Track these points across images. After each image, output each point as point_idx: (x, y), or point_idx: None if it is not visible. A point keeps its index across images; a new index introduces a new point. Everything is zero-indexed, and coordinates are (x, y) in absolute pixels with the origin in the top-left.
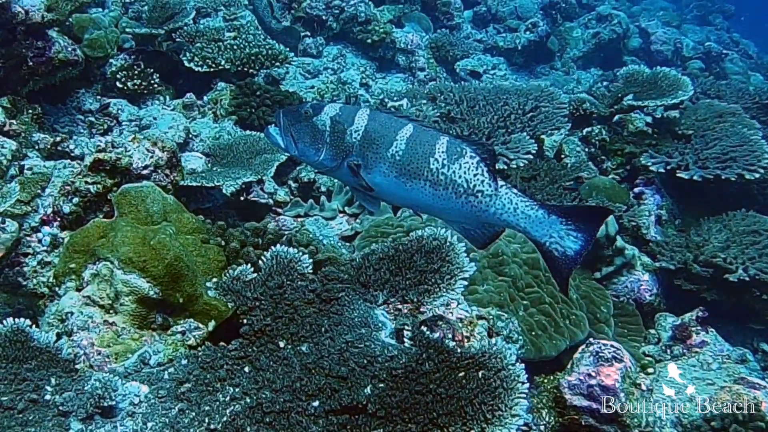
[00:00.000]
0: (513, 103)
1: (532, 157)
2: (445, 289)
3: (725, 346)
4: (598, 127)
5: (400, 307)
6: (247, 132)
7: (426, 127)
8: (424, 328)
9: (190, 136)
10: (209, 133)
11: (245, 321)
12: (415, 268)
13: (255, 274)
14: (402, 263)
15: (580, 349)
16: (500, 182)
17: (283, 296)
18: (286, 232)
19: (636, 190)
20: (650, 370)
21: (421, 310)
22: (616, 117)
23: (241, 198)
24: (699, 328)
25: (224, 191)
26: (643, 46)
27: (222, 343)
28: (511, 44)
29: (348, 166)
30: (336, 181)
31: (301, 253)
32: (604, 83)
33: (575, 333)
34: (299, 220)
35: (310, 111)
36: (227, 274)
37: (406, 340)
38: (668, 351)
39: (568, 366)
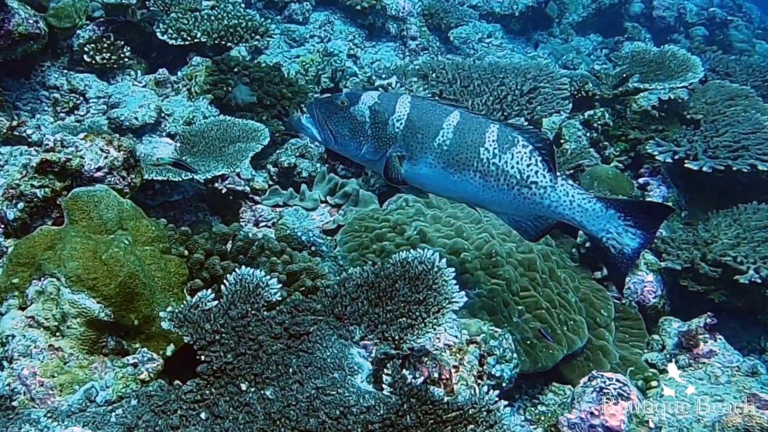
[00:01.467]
0: (510, 83)
1: None
2: (430, 324)
3: (735, 356)
4: (601, 110)
5: (379, 344)
6: (221, 117)
7: (473, 114)
8: (406, 372)
9: (162, 115)
10: (183, 112)
11: (203, 358)
12: (398, 298)
13: (215, 302)
14: (383, 292)
15: (581, 383)
16: (556, 173)
17: (247, 329)
18: (262, 224)
19: (641, 180)
20: (654, 383)
21: (404, 347)
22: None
23: (216, 185)
24: (707, 335)
25: (197, 181)
26: (645, 11)
27: (177, 382)
28: (508, 10)
29: (390, 158)
30: (319, 166)
31: (269, 277)
32: (603, 51)
33: (573, 340)
34: (278, 210)
35: (346, 101)
36: (185, 302)
37: (385, 386)
38: (674, 360)
39: (568, 400)
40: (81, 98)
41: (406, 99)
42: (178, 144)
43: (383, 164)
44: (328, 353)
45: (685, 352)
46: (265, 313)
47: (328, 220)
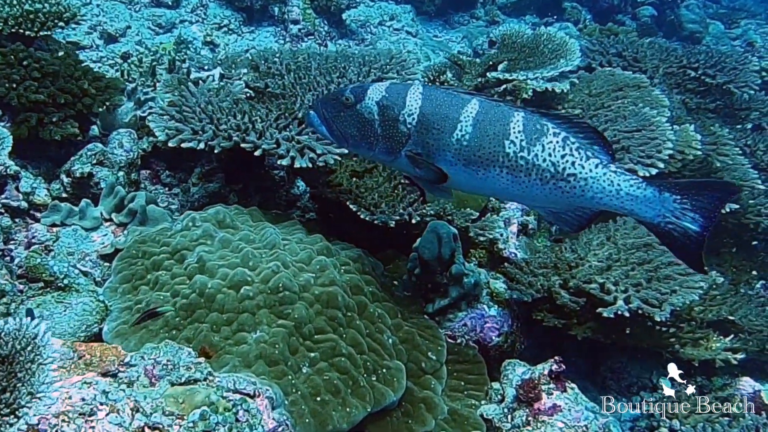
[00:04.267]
0: (352, 74)
1: (347, 150)
2: None
3: (585, 412)
4: None
5: None
6: None
7: (495, 102)
8: None
9: None
10: None
11: None
12: None
13: None
14: None
15: None
16: (594, 161)
17: None
18: (35, 247)
19: None
20: None
21: None
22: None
23: None
24: (552, 386)
25: None
26: None
27: None
28: None
29: (407, 157)
30: (122, 176)
31: None
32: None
33: (384, 394)
34: (55, 230)
35: (351, 98)
36: None
37: None
38: (510, 417)
39: None
40: None
41: (417, 90)
42: None
43: (402, 163)
44: None
45: (524, 407)
46: None
47: (107, 243)
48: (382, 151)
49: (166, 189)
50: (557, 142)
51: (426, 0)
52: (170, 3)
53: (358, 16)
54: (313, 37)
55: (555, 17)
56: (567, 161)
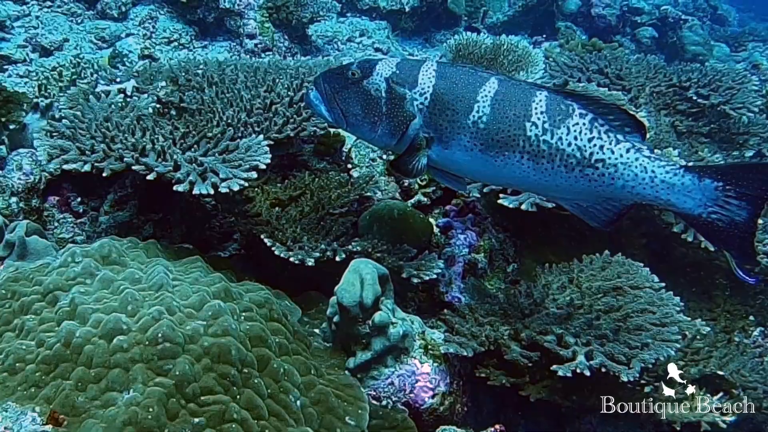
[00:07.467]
0: (281, 87)
1: (256, 174)
2: None
3: None
4: None
5: None
6: None
7: (515, 81)
8: None
9: None
10: None
11: None
12: None
13: None
14: None
15: None
16: (625, 144)
17: None
18: None
19: (440, 221)
20: None
21: None
22: None
23: None
24: None
25: None
26: (582, 9)
27: None
28: (397, 5)
29: (415, 142)
30: (14, 202)
31: None
32: None
33: None
34: None
35: (358, 72)
36: None
37: None
38: None
39: None
40: None
41: (431, 66)
42: None
43: (405, 148)
44: None
45: None
46: None
47: None
48: (385, 133)
49: (75, 218)
50: (584, 124)
51: (403, 17)
52: (116, 15)
53: (324, 31)
54: (271, 53)
55: (545, 36)
56: (595, 145)
